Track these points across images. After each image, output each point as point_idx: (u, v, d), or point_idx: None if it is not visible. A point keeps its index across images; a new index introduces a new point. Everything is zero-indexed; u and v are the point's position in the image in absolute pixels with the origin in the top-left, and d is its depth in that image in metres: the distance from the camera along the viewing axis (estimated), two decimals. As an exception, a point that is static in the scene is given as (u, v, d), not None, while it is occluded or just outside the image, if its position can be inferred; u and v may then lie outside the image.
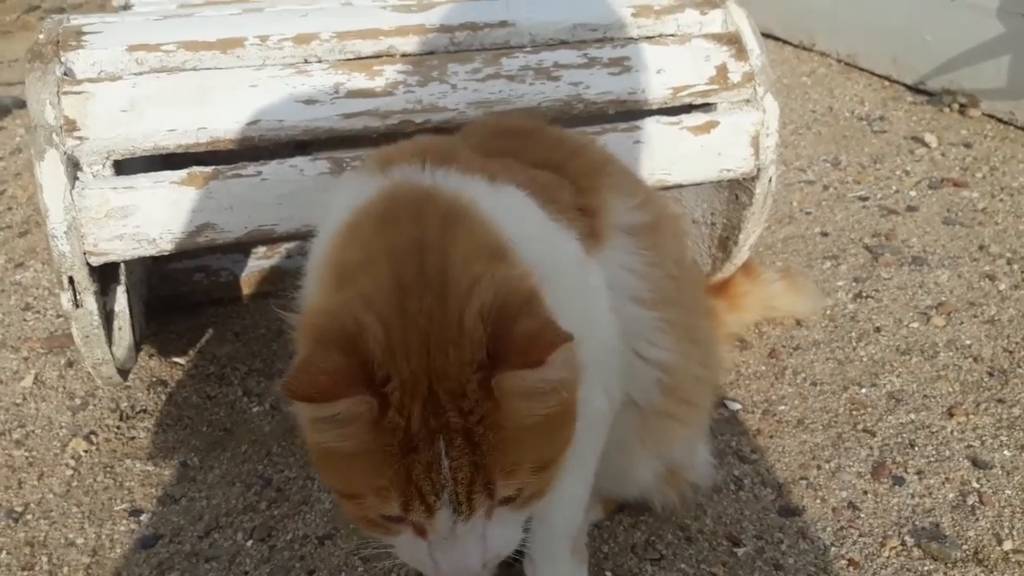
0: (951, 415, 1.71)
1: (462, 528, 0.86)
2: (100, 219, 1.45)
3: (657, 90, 1.69)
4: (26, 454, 1.70)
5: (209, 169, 1.50)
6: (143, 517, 1.55)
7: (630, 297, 1.19)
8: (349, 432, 0.83)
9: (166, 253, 1.51)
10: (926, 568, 1.40)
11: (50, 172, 1.42)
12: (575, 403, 0.92)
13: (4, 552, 1.48)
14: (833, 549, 1.44)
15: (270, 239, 1.55)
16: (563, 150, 1.27)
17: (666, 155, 1.70)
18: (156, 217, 1.48)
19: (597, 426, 1.21)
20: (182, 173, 1.50)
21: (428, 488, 0.83)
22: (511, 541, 0.93)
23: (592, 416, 1.19)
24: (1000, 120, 2.96)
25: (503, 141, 1.22)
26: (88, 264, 1.46)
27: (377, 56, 1.62)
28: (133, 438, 1.73)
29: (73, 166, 1.46)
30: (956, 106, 3.06)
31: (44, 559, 1.47)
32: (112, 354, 1.57)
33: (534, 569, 1.33)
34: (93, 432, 1.75)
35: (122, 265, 1.61)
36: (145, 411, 1.80)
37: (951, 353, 1.89)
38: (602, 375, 1.14)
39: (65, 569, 1.45)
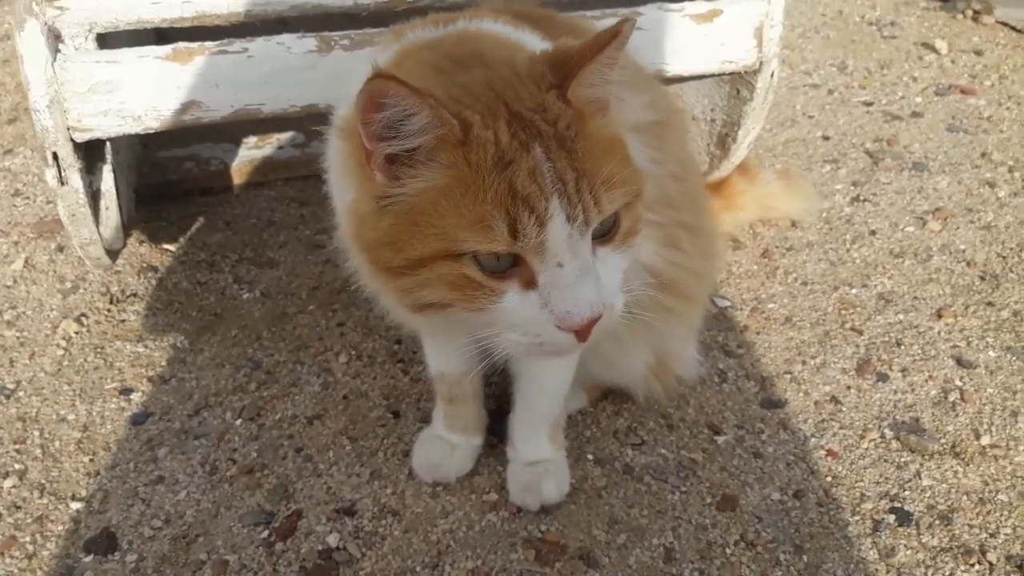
0: (939, 316, 1.71)
1: (578, 244, 0.84)
2: (83, 93, 1.42)
3: (660, -26, 1.64)
4: (17, 334, 1.71)
5: (195, 45, 1.46)
6: (133, 396, 1.57)
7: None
8: (437, 162, 0.83)
9: (151, 131, 1.48)
10: (903, 459, 1.42)
11: (30, 43, 1.38)
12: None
13: (-3, 425, 1.51)
14: (813, 440, 1.46)
15: (257, 119, 1.52)
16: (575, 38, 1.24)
17: (667, 44, 1.65)
18: (141, 93, 1.45)
19: None
20: (167, 48, 1.46)
21: (536, 195, 0.81)
22: (616, 285, 0.89)
23: None
24: (1013, 28, 2.87)
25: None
26: (72, 140, 1.44)
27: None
28: (123, 321, 1.74)
29: (54, 37, 1.42)
30: (970, 12, 2.97)
31: (36, 433, 1.49)
32: (100, 234, 1.56)
33: (515, 451, 1.36)
34: (83, 314, 1.75)
35: (108, 143, 1.59)
36: (135, 295, 1.80)
37: (944, 257, 1.88)
38: None
39: (57, 443, 1.48)
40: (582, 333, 0.85)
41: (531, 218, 0.81)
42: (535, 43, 1.02)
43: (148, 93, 1.45)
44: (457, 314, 0.88)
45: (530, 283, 0.85)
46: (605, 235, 0.88)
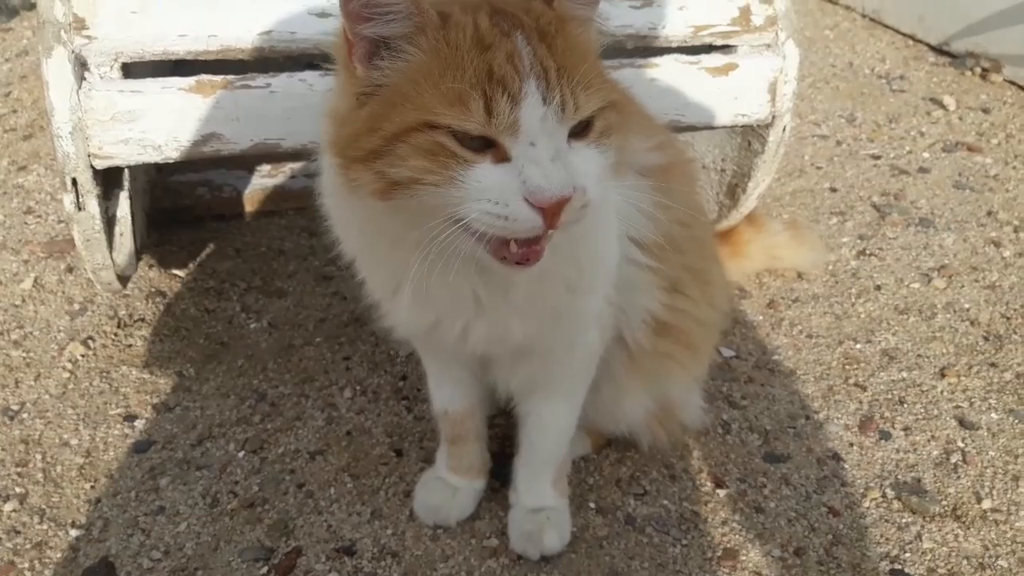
0: (943, 375, 1.72)
1: (553, 128, 0.85)
2: (106, 121, 1.44)
3: (678, 27, 1.66)
4: (23, 355, 1.71)
5: (218, 78, 1.48)
6: (137, 423, 1.57)
7: (630, 238, 1.19)
8: (416, 47, 0.87)
9: (171, 161, 1.49)
10: (904, 520, 1.42)
11: (57, 70, 1.40)
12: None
13: (-1, 447, 1.51)
14: (815, 497, 1.46)
15: (275, 153, 1.53)
16: None
17: (682, 95, 1.67)
18: (162, 123, 1.46)
19: (587, 361, 1.24)
20: (190, 80, 1.47)
21: (511, 76, 0.83)
22: (594, 175, 0.89)
23: (583, 351, 1.21)
24: (1021, 87, 2.91)
25: None
26: (92, 167, 1.45)
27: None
28: (130, 346, 1.75)
29: (80, 66, 1.44)
30: (978, 70, 3.00)
31: (38, 457, 1.49)
32: (112, 259, 1.57)
33: (517, 496, 1.36)
34: (91, 337, 1.75)
35: (126, 171, 1.60)
36: (143, 320, 1.81)
37: (949, 315, 1.89)
38: (598, 302, 1.16)
39: (59, 468, 1.47)
40: (549, 214, 0.84)
41: (505, 97, 0.83)
42: None
43: (169, 123, 1.47)
44: (427, 195, 0.87)
45: (503, 159, 0.86)
46: (580, 133, 0.89)
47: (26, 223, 2.11)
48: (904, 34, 3.34)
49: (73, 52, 1.41)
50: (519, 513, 1.35)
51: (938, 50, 3.20)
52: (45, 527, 1.37)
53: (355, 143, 0.90)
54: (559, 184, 0.83)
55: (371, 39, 0.88)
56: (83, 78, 1.43)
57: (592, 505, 1.43)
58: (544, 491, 1.35)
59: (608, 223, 1.12)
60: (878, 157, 2.53)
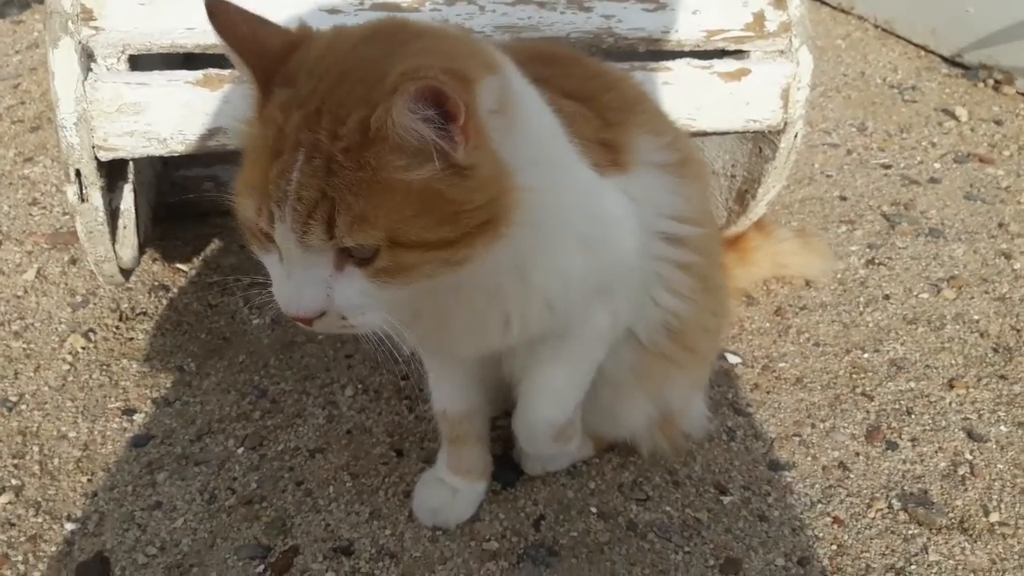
0: (951, 387, 1.70)
1: (300, 256, 0.84)
2: (111, 113, 1.43)
3: (691, 31, 1.65)
4: (24, 346, 1.71)
5: (225, 72, 1.47)
6: (136, 417, 1.56)
7: (662, 215, 1.18)
8: (255, 114, 0.88)
9: (176, 154, 1.49)
10: (910, 532, 1.40)
11: (63, 61, 1.39)
12: (461, 200, 0.84)
13: (-3, 438, 1.50)
14: (819, 506, 1.44)
15: (282, 149, 1.52)
16: (597, 83, 1.24)
17: (693, 100, 1.66)
18: (168, 116, 1.46)
19: (595, 341, 1.21)
20: (198, 74, 1.46)
21: (276, 194, 0.82)
22: (355, 305, 0.88)
23: (592, 329, 1.18)
24: (1034, 99, 2.89)
25: (537, 66, 1.17)
26: (96, 158, 1.44)
27: (406, -30, 1.58)
28: (131, 339, 1.73)
29: (87, 57, 1.43)
30: (991, 82, 2.98)
31: (36, 449, 1.48)
32: (115, 252, 1.56)
33: (518, 450, 1.38)
34: (92, 330, 1.75)
35: (130, 163, 1.59)
36: (145, 314, 1.80)
37: (958, 326, 1.87)
38: (610, 294, 1.14)
39: (56, 460, 1.46)
40: (298, 321, 0.89)
41: (266, 211, 0.84)
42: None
43: (175, 117, 1.46)
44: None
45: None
46: (364, 262, 0.85)
47: (31, 214, 2.11)
48: (916, 45, 3.32)
49: (80, 43, 1.40)
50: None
51: (951, 61, 3.18)
52: (40, 520, 1.35)
53: None
54: (287, 302, 0.87)
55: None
56: (89, 69, 1.42)
57: (594, 510, 1.41)
58: (544, 443, 1.32)
59: (604, 220, 1.10)
60: (889, 166, 2.52)
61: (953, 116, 2.80)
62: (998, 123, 2.76)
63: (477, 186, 0.83)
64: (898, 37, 3.41)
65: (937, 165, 2.53)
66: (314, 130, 0.81)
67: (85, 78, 1.40)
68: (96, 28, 1.42)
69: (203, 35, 1.46)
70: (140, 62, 1.56)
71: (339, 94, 0.82)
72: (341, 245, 0.83)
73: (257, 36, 0.90)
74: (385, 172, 0.81)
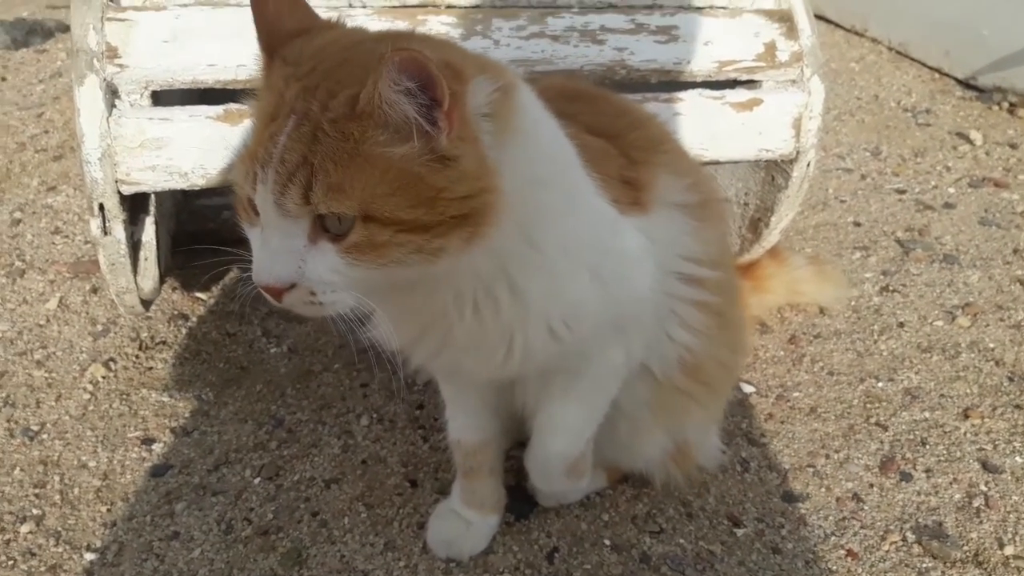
0: (966, 416, 1.69)
1: (276, 221, 0.86)
2: (134, 148, 1.46)
3: (703, 62, 1.66)
4: (46, 375, 1.73)
5: (246, 107, 1.50)
6: (155, 446, 1.58)
7: (680, 256, 1.19)
8: (263, 84, 0.93)
9: (197, 188, 1.52)
10: (924, 565, 1.39)
11: (88, 97, 1.42)
12: (446, 187, 0.86)
13: (18, 469, 1.52)
14: (833, 538, 1.44)
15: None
16: (623, 121, 1.26)
17: (706, 130, 1.67)
18: (189, 151, 1.48)
19: (608, 376, 1.22)
20: (218, 109, 1.49)
21: (263, 156, 0.85)
22: (325, 281, 0.88)
23: (605, 365, 1.19)
24: (1049, 123, 2.89)
25: (565, 103, 1.19)
26: (119, 192, 1.47)
27: (423, 5, 1.60)
28: (151, 368, 1.76)
29: (112, 93, 1.46)
30: (1006, 105, 2.98)
31: (56, 478, 1.50)
32: (136, 284, 1.59)
33: (532, 485, 1.39)
34: (112, 359, 1.77)
35: (152, 196, 1.62)
36: (164, 343, 1.82)
37: (973, 355, 1.86)
38: (624, 330, 1.15)
39: (76, 490, 1.49)
40: (269, 293, 0.90)
41: (251, 174, 0.87)
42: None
43: (197, 151, 1.48)
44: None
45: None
46: (338, 237, 0.87)
47: (54, 243, 2.15)
48: (931, 68, 3.33)
49: (105, 80, 1.44)
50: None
51: (965, 84, 3.18)
52: (60, 550, 1.37)
53: None
54: (258, 270, 0.89)
55: None
56: (113, 105, 1.45)
57: (607, 542, 1.41)
58: (556, 479, 1.34)
59: (622, 256, 1.11)
60: (903, 191, 2.52)
61: (968, 140, 2.80)
62: (1013, 146, 2.75)
63: (458, 177, 0.86)
64: (912, 60, 3.42)
65: (952, 190, 2.52)
66: (308, 101, 0.86)
67: (109, 114, 1.43)
68: (121, 66, 1.45)
69: (224, 71, 1.49)
70: (159, 96, 1.60)
71: (338, 74, 0.87)
72: (316, 212, 0.85)
73: (279, 12, 0.96)
74: (367, 145, 0.84)
